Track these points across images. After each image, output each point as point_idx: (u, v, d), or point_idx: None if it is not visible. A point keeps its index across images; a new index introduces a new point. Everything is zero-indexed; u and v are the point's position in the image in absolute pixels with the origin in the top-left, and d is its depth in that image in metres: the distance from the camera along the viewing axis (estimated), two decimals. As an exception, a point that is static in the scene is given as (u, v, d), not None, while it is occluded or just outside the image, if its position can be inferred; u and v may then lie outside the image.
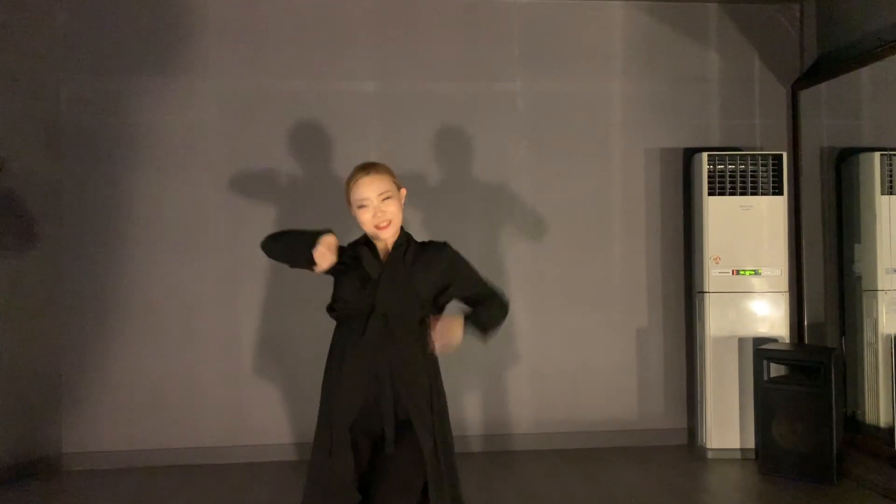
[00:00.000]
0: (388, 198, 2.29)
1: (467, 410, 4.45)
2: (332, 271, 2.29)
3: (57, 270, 4.23)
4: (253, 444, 4.31)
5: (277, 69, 4.39)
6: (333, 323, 2.40)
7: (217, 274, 4.34)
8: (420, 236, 2.53)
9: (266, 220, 4.35)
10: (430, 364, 2.36)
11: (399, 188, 2.36)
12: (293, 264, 2.36)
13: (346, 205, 2.38)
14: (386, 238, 2.32)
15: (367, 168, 2.32)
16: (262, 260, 4.29)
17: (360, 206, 2.28)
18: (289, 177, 4.38)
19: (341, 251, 2.31)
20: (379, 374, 2.25)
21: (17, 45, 4.07)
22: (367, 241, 2.36)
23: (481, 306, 2.42)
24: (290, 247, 2.34)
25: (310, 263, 2.23)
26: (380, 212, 2.27)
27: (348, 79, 4.43)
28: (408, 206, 4.43)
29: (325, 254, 2.20)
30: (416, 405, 2.27)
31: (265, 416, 4.33)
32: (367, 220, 2.28)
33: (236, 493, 3.80)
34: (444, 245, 2.42)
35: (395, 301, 2.28)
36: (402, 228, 2.37)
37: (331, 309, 2.37)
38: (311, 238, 2.23)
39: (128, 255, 4.28)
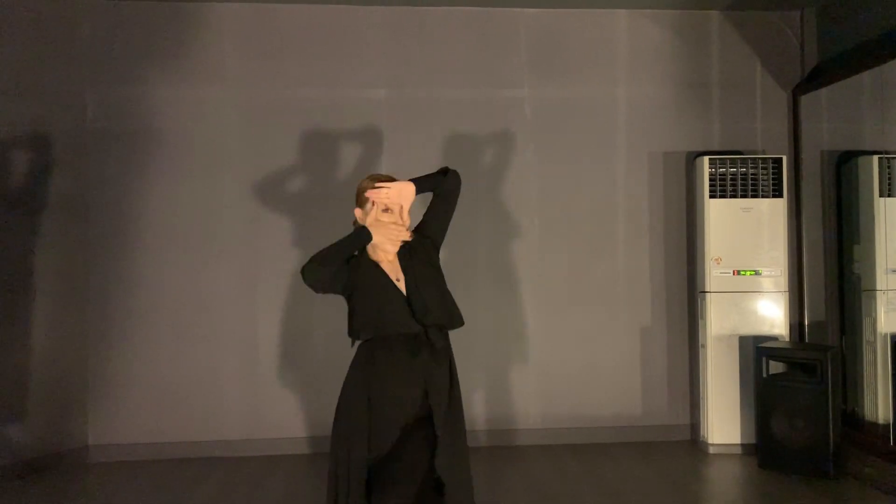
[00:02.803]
0: (405, 208, 2.53)
1: (476, 406, 4.58)
2: (350, 291, 2.45)
3: (84, 271, 4.40)
4: (269, 437, 4.47)
5: (293, 78, 4.55)
6: (344, 318, 2.51)
7: (235, 274, 4.50)
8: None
9: (282, 223, 4.50)
10: (450, 358, 2.53)
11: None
12: (346, 253, 2.46)
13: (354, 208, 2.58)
14: (402, 240, 2.52)
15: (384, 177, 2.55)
16: (279, 261, 4.48)
17: (386, 210, 2.48)
18: (304, 180, 4.52)
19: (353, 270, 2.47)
20: (418, 383, 2.40)
21: (46, 57, 4.25)
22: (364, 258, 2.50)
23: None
24: (339, 245, 2.46)
25: (364, 240, 2.45)
26: (402, 218, 2.51)
27: (361, 86, 4.57)
28: (417, 209, 4.57)
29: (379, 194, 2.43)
30: (438, 402, 2.41)
31: (281, 410, 4.48)
32: (391, 220, 2.50)
33: (254, 484, 3.94)
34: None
35: (435, 311, 2.45)
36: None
37: (356, 332, 2.44)
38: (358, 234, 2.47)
39: (151, 256, 4.45)
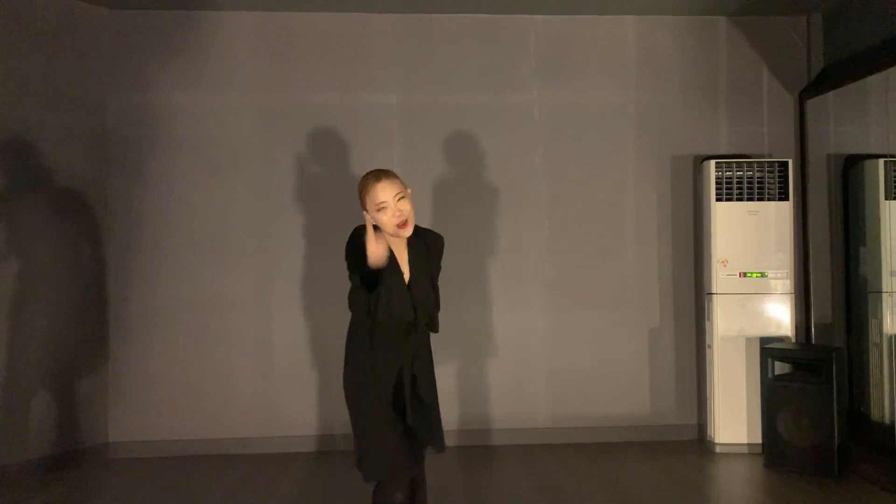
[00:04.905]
0: (402, 198, 2.52)
1: (487, 406, 4.65)
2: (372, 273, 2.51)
3: (103, 272, 4.52)
4: (283, 435, 4.56)
5: (306, 83, 4.64)
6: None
7: (251, 276, 4.60)
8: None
9: (297, 226, 4.60)
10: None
11: (406, 188, 2.59)
12: (369, 274, 2.52)
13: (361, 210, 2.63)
14: (406, 236, 2.56)
15: (377, 175, 2.55)
16: (293, 262, 4.58)
17: (380, 209, 2.50)
18: (317, 184, 4.62)
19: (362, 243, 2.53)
20: (405, 361, 2.61)
21: (67, 64, 4.37)
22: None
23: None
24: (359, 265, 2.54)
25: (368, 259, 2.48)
26: (398, 211, 2.50)
27: (372, 91, 4.66)
28: (429, 212, 4.67)
29: (372, 242, 2.46)
30: (426, 379, 2.66)
31: (295, 409, 4.57)
32: (387, 221, 2.50)
33: (268, 480, 4.03)
34: (440, 237, 2.74)
35: (424, 303, 2.62)
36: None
37: (371, 314, 2.58)
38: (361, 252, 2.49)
39: (168, 258, 4.55)
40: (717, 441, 4.44)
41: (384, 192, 2.49)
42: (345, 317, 2.81)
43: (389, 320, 2.57)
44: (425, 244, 2.67)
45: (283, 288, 4.59)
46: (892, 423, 4.14)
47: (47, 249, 4.24)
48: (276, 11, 4.61)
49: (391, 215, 2.49)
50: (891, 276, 4.29)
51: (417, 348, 2.66)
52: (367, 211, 2.55)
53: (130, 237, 4.55)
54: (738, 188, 4.44)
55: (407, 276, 2.61)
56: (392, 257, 2.57)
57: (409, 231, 2.53)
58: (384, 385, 2.59)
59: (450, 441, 4.58)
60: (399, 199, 2.51)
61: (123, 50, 4.56)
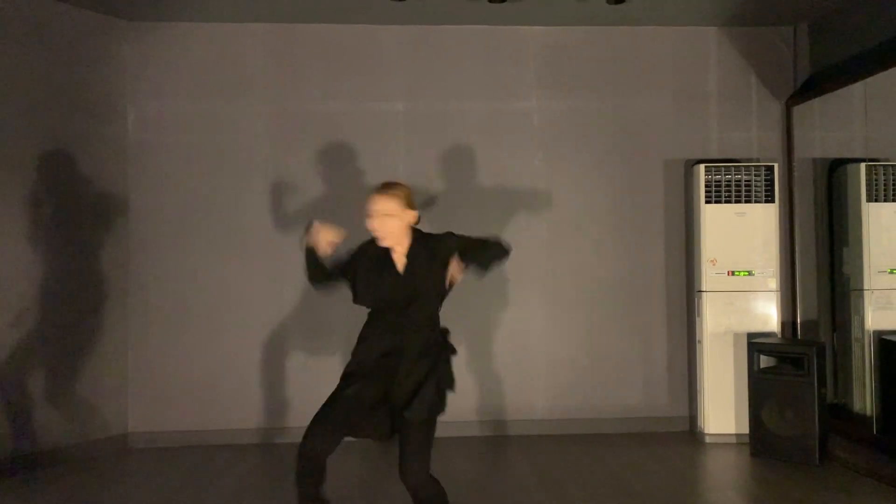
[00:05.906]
0: (388, 216, 2.79)
1: (488, 398, 4.85)
2: (352, 271, 2.87)
3: (125, 271, 4.73)
4: (296, 426, 4.75)
5: (316, 91, 4.85)
6: (364, 316, 2.92)
7: (263, 274, 4.80)
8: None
9: (305, 226, 4.80)
10: (439, 336, 2.89)
11: (408, 209, 2.82)
12: (316, 270, 2.99)
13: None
14: (383, 245, 2.83)
15: (382, 187, 2.85)
16: (303, 261, 4.76)
17: (368, 216, 2.81)
18: (326, 187, 4.82)
19: (361, 250, 2.89)
20: (395, 347, 2.80)
21: (89, 75, 4.59)
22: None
23: (480, 248, 3.04)
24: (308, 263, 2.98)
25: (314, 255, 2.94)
26: (379, 225, 2.79)
27: (380, 100, 4.87)
28: (432, 213, 4.86)
29: (318, 233, 2.86)
30: (418, 369, 2.80)
31: (307, 400, 4.75)
32: (371, 227, 2.82)
33: (282, 469, 4.17)
34: (447, 235, 2.95)
35: (417, 297, 2.81)
36: (415, 230, 2.87)
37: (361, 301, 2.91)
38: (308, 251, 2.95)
39: (186, 257, 4.76)
40: (706, 431, 4.63)
41: (375, 204, 2.80)
42: (353, 312, 3.02)
43: (376, 305, 2.86)
44: (429, 248, 2.87)
45: (295, 285, 4.75)
46: (872, 414, 4.36)
47: (71, 248, 4.45)
48: (288, 23, 4.81)
49: (372, 223, 2.80)
50: (871, 274, 4.49)
51: (406, 332, 2.78)
52: None
53: (149, 237, 4.75)
54: (727, 191, 4.64)
55: (401, 266, 2.83)
56: (388, 254, 2.85)
57: (384, 244, 2.81)
58: (361, 364, 2.84)
59: (451, 432, 4.80)
60: (384, 216, 2.78)
61: (143, 60, 4.77)
